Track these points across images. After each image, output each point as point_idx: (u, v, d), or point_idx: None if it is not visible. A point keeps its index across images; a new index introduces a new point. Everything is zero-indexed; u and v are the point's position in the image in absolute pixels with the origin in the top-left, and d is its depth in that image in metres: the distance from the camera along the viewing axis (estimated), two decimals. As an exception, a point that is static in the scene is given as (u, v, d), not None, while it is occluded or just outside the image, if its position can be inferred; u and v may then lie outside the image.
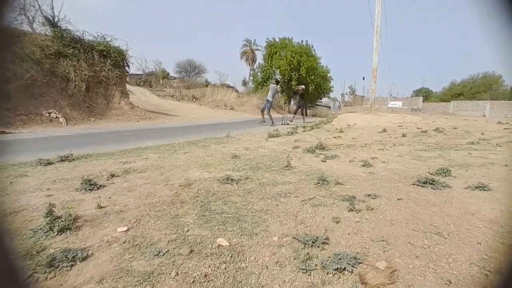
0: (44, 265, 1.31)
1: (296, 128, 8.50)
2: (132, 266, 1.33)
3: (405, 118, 10.35)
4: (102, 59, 10.57)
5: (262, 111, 10.91)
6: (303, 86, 14.26)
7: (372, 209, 2.05)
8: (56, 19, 9.67)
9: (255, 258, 1.40)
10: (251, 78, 34.67)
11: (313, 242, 1.52)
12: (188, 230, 1.71)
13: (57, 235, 1.65)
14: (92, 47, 10.27)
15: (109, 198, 2.27)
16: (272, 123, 10.46)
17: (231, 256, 1.41)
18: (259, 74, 29.64)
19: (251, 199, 2.30)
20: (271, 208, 2.09)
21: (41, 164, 3.34)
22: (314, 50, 29.25)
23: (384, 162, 3.75)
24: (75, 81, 9.54)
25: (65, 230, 1.69)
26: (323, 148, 4.70)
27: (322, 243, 1.52)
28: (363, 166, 3.47)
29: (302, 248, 1.49)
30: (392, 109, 17.42)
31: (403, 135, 6.71)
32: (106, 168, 3.22)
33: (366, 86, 36.50)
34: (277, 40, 29.01)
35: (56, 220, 1.73)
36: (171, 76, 35.52)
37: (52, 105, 8.81)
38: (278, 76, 27.27)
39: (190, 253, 1.44)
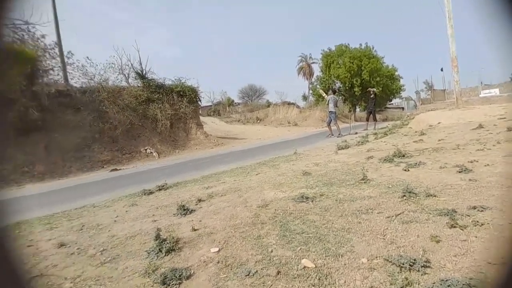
0: (159, 282, 1.57)
1: (367, 137, 7.88)
2: (228, 286, 1.46)
3: (509, 108, 8.39)
4: (180, 98, 12.34)
5: (328, 124, 10.58)
6: (374, 89, 13.14)
7: (482, 225, 1.73)
8: (144, 72, 11.90)
9: (345, 282, 1.36)
10: (311, 92, 34.37)
11: (410, 265, 1.37)
12: (272, 251, 1.78)
13: (165, 255, 1.95)
14: (171, 90, 12.15)
15: (200, 221, 2.56)
16: (339, 134, 10.00)
17: (319, 279, 1.40)
18: (318, 86, 29.16)
19: (329, 217, 2.24)
20: (353, 226, 2.00)
21: (145, 194, 4.03)
22: (375, 51, 27.27)
23: (488, 165, 3.13)
24: (161, 120, 11.38)
25: (170, 251, 1.99)
26: (403, 156, 4.23)
27: (422, 267, 1.36)
28: (460, 172, 2.97)
29: (398, 272, 1.36)
30: (486, 99, 14.40)
31: (509, 129, 5.43)
32: (193, 194, 3.66)
33: (446, 77, 31.24)
34: (333, 49, 28.27)
35: (163, 242, 2.07)
36: (235, 103, 38.45)
37: (147, 143, 10.64)
38: (338, 85, 26.21)
39: (278, 274, 1.49)
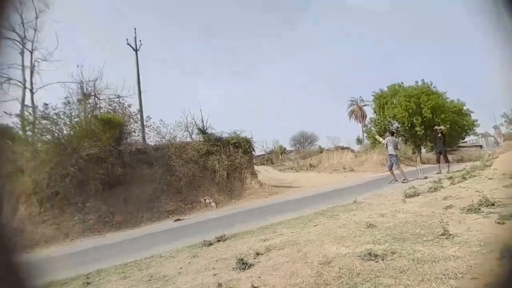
0: None
1: (440, 181, 6.87)
2: None
3: None
4: (235, 149, 13.19)
5: (390, 168, 9.71)
6: (441, 127, 11.89)
7: None
8: (205, 128, 13.31)
9: None
10: (365, 134, 32.79)
11: None
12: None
13: (226, 313, 1.92)
14: (228, 142, 13.16)
15: (259, 277, 2.49)
16: (404, 179, 8.99)
17: None
18: (372, 128, 27.78)
19: (407, 281, 1.94)
20: (441, 296, 1.68)
21: (205, 245, 4.15)
22: (434, 87, 25.40)
23: None
24: (219, 171, 12.15)
25: (232, 310, 1.95)
26: (492, 204, 3.54)
27: None
28: None
29: None
30: None
31: None
32: (251, 246, 3.62)
33: (536, 106, 26.40)
34: (385, 89, 27.42)
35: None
36: (287, 150, 38.90)
37: (206, 193, 11.29)
38: (395, 125, 24.56)
39: None
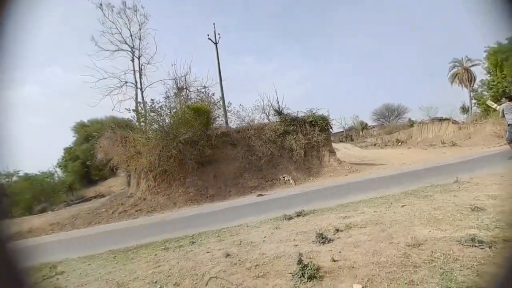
0: None
1: None
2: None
3: None
4: (312, 127, 12.96)
5: (510, 141, 7.67)
6: None
7: None
8: (281, 109, 13.52)
9: None
10: (474, 101, 26.25)
11: None
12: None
13: (307, 281, 2.08)
14: (304, 121, 13.04)
15: (339, 252, 2.55)
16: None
17: None
18: (485, 93, 22.04)
19: (523, 274, 1.64)
20: None
21: (286, 219, 4.43)
22: None
23: None
24: (296, 150, 12.30)
25: (312, 278, 2.10)
26: None
27: None
28: None
29: None
30: None
31: None
32: (330, 223, 3.67)
33: None
34: (504, 42, 20.90)
35: (305, 268, 2.22)
36: (369, 126, 35.39)
37: (284, 171, 11.71)
38: None
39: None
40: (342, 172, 11.48)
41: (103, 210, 10.37)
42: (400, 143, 22.33)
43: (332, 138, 18.77)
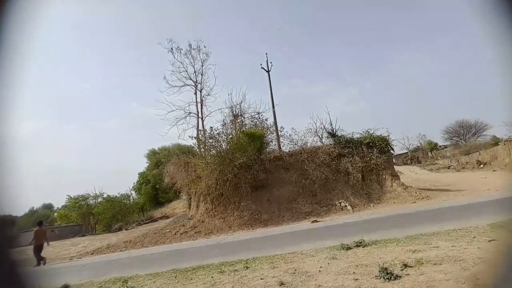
0: None
1: None
2: None
3: None
4: (369, 149, 12.10)
5: None
6: None
7: None
8: (334, 131, 13.12)
9: None
10: None
11: None
12: None
13: (371, 320, 1.88)
14: (360, 142, 12.30)
15: (409, 291, 2.24)
16: None
17: None
18: None
19: None
20: None
21: (343, 249, 4.12)
22: None
23: None
24: (353, 173, 11.54)
25: (376, 317, 1.89)
26: None
27: None
28: None
29: None
30: None
31: None
32: (396, 257, 3.27)
33: None
34: None
35: (368, 305, 2.02)
36: (440, 146, 31.03)
37: (340, 196, 11.02)
38: None
39: None
40: (409, 199, 10.22)
41: (167, 230, 11.25)
42: (482, 165, 18.93)
43: (394, 160, 17.09)
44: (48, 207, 43.27)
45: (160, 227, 12.47)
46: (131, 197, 28.23)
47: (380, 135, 12.41)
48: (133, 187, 30.16)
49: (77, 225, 25.21)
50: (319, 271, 3.24)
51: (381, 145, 12.07)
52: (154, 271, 4.87)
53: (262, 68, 16.65)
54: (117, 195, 26.37)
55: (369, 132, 12.66)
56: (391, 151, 12.77)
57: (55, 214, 32.25)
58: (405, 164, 25.57)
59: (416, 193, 10.71)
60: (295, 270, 3.43)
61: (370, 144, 12.22)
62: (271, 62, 16.57)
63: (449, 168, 20.55)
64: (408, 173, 18.88)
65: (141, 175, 30.83)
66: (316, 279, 2.96)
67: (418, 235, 4.34)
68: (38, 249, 9.32)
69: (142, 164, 33.14)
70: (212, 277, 3.79)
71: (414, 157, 28.81)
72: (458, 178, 15.84)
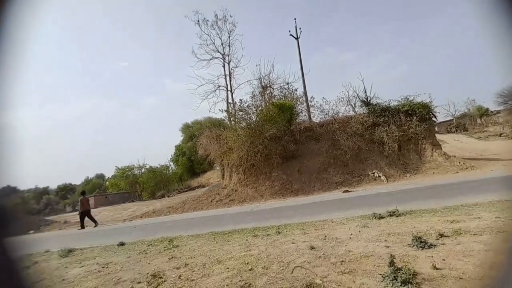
0: None
1: None
2: None
3: None
4: (408, 117, 11.26)
5: None
6: None
7: None
8: (368, 99, 12.34)
9: None
10: None
11: None
12: None
13: (400, 285, 1.93)
14: (398, 110, 11.46)
15: (443, 260, 2.23)
16: None
17: None
18: None
19: None
20: None
21: (375, 218, 4.12)
22: None
23: None
24: (388, 143, 10.99)
25: (406, 283, 1.92)
26: None
27: None
28: None
29: None
30: None
31: None
32: (432, 226, 3.21)
33: None
34: None
35: (398, 271, 2.05)
36: (491, 111, 27.62)
37: (374, 166, 10.68)
38: None
39: None
40: (451, 169, 9.58)
41: (204, 198, 12.12)
42: (545, 132, 16.69)
43: (436, 128, 15.81)
44: (100, 176, 48.71)
45: (198, 195, 13.45)
46: (170, 168, 30.48)
47: (421, 101, 11.42)
48: (171, 158, 32.36)
49: (126, 192, 28.34)
50: (350, 238, 3.32)
51: (421, 112, 11.15)
52: (194, 233, 5.40)
53: (290, 35, 15.81)
54: (158, 166, 28.66)
55: (408, 99, 11.69)
56: (433, 119, 11.77)
57: (107, 183, 36.28)
58: (449, 132, 23.50)
59: (459, 163, 9.97)
60: (326, 236, 3.56)
61: (409, 112, 11.35)
62: (300, 28, 15.63)
63: (500, 136, 18.50)
64: (452, 142, 17.45)
65: (177, 147, 32.79)
66: (346, 245, 3.05)
67: (458, 205, 4.15)
68: (83, 214, 10.76)
69: (178, 138, 35.03)
70: (246, 239, 4.10)
71: (460, 124, 26.22)
72: (510, 146, 14.28)
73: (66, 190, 41.20)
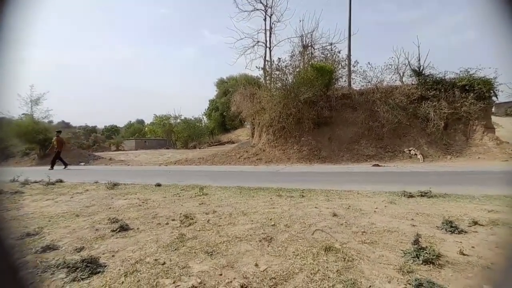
0: (413, 285, 1.63)
1: None
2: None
3: None
4: (464, 94, 10.04)
5: None
6: None
7: None
8: (421, 69, 11.06)
9: None
10: None
11: None
12: None
13: (422, 263, 1.94)
14: (453, 85, 10.22)
15: (473, 247, 2.17)
16: None
17: None
18: None
19: None
20: None
21: (405, 196, 4.02)
22: None
23: None
24: (434, 120, 10.09)
25: (429, 263, 1.93)
26: None
27: None
28: None
29: None
30: None
31: None
32: (466, 213, 3.07)
33: None
34: None
35: (422, 250, 2.05)
36: None
37: (412, 143, 10.07)
38: None
39: None
40: (500, 156, 8.70)
41: (233, 154, 12.61)
42: None
43: (494, 109, 14.01)
44: (140, 122, 52.38)
45: (227, 150, 14.02)
46: (203, 121, 31.66)
47: (483, 77, 9.98)
48: (204, 112, 33.36)
49: (162, 139, 30.55)
50: (374, 211, 3.32)
51: (481, 89, 9.84)
52: (222, 185, 5.77)
53: (342, -14, 14.03)
54: (192, 118, 29.92)
55: (468, 72, 10.28)
56: (493, 98, 10.38)
57: (146, 128, 39.10)
58: (507, 115, 20.68)
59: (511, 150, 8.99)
60: (349, 206, 3.59)
61: (466, 87, 10.07)
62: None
63: None
64: (509, 127, 15.48)
65: (211, 102, 33.45)
66: (369, 218, 3.07)
67: (500, 195, 3.85)
68: (57, 154, 10.53)
69: (212, 92, 35.54)
70: (271, 198, 4.30)
71: (525, 107, 22.78)
72: None
73: (111, 131, 45.46)
